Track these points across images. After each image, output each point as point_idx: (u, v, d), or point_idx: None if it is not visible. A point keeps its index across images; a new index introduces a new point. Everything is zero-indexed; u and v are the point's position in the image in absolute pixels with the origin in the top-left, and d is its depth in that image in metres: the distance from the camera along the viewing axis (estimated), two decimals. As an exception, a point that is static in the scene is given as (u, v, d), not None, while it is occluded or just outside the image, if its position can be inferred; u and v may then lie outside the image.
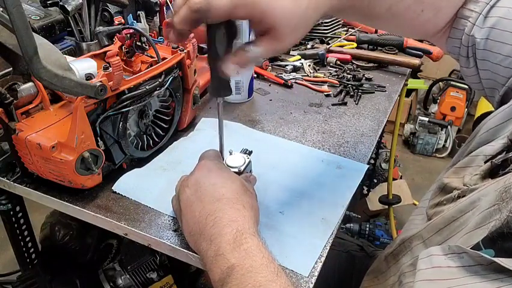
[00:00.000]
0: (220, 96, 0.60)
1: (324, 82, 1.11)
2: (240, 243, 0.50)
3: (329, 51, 1.24)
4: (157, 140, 0.78)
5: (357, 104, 1.01)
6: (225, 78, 0.56)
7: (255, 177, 0.67)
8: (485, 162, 0.54)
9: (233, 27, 0.53)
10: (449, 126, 2.67)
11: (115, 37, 0.78)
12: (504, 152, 0.52)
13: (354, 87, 1.07)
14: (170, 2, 1.24)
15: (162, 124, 0.79)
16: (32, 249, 1.04)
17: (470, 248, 0.45)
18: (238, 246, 0.50)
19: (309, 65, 1.18)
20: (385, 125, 0.95)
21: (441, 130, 2.68)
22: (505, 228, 0.43)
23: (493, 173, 0.52)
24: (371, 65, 1.21)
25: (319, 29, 1.35)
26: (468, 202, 0.52)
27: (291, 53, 1.25)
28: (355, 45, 1.31)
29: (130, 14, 1.10)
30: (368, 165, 0.78)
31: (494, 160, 0.52)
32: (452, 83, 2.82)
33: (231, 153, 0.68)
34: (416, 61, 1.19)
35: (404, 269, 0.60)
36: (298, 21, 0.51)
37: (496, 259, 0.41)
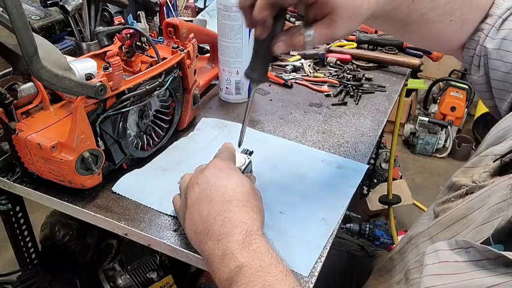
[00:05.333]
0: (258, 82, 0.60)
1: (324, 82, 1.11)
2: (250, 243, 0.50)
3: (329, 51, 1.24)
4: (157, 140, 0.78)
5: (357, 104, 1.01)
6: (267, 64, 0.59)
7: (255, 177, 0.67)
8: (494, 162, 0.54)
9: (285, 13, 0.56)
10: (449, 126, 2.67)
11: (115, 37, 0.78)
12: None
13: (354, 87, 1.07)
14: (171, 2, 1.25)
15: (162, 124, 0.79)
16: (32, 249, 1.05)
17: (480, 244, 0.45)
18: (247, 246, 0.50)
19: (309, 65, 1.18)
20: (385, 125, 0.95)
21: (441, 130, 2.68)
22: None
23: (502, 171, 0.53)
24: (371, 65, 1.21)
25: (319, 29, 1.35)
26: (477, 200, 0.52)
27: (291, 53, 1.25)
28: (355, 45, 1.31)
29: (130, 14, 1.10)
30: (368, 165, 0.78)
31: (503, 158, 0.53)
32: (452, 83, 2.82)
33: (231, 153, 0.68)
34: (416, 61, 1.19)
35: (410, 265, 0.61)
36: (354, 13, 0.54)
37: (504, 253, 0.41)
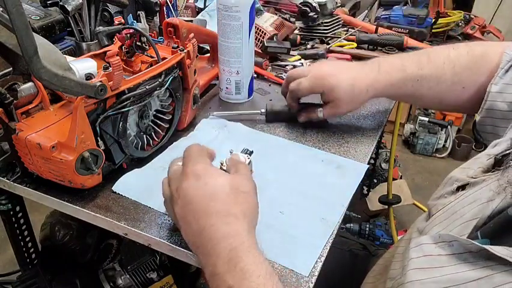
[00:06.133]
0: (267, 120, 0.90)
1: (324, 82, 1.10)
2: (236, 262, 0.48)
3: (329, 51, 1.24)
4: (157, 140, 0.78)
5: (357, 104, 1.01)
6: (280, 119, 0.90)
7: (252, 169, 0.64)
8: (488, 160, 0.56)
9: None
10: (449, 126, 2.67)
11: (115, 37, 0.78)
12: (507, 151, 0.54)
13: (354, 87, 1.07)
14: (171, 2, 1.25)
15: (162, 124, 0.79)
16: (32, 249, 1.05)
17: (466, 238, 0.46)
18: (234, 266, 0.48)
19: (309, 65, 1.18)
20: (385, 125, 0.95)
21: (441, 130, 2.69)
22: (504, 210, 0.45)
23: (495, 167, 0.55)
24: (371, 65, 1.21)
25: (319, 29, 1.34)
26: (469, 197, 0.53)
27: (291, 53, 1.25)
28: (355, 45, 1.31)
29: (130, 14, 1.11)
30: (368, 165, 0.78)
31: (496, 156, 0.55)
32: (452, 83, 2.81)
33: (231, 153, 0.68)
34: (416, 61, 1.18)
35: (404, 261, 0.62)
36: (352, 99, 0.80)
37: (486, 246, 0.42)
